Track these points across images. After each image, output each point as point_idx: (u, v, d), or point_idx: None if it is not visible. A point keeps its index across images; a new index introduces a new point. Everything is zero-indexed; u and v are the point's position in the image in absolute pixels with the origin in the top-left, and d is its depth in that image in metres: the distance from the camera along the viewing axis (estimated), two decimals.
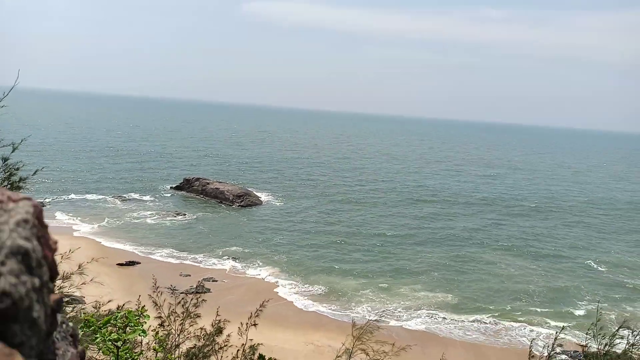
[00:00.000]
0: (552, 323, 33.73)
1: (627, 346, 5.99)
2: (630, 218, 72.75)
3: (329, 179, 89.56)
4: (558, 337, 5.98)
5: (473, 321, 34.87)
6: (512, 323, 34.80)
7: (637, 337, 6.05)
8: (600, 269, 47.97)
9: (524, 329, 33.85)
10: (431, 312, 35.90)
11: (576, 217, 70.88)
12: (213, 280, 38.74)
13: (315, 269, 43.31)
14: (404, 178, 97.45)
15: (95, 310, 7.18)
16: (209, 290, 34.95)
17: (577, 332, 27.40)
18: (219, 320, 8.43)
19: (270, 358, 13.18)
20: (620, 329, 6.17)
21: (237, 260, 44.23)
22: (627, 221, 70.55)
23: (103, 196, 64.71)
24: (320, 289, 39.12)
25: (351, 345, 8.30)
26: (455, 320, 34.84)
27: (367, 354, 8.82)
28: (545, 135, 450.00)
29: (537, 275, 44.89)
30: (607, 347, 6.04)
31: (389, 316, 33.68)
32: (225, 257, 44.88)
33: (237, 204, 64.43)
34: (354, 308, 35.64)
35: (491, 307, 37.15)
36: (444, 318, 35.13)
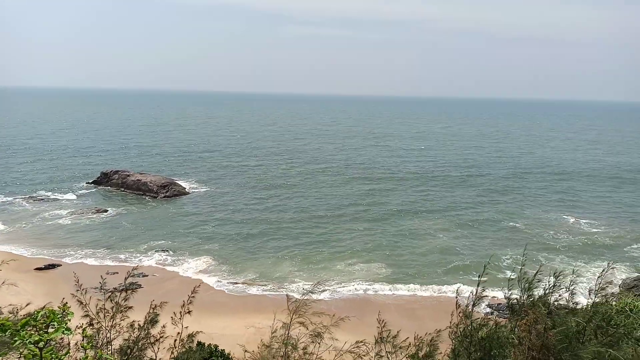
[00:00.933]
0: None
1: (546, 291, 6.52)
2: (550, 181, 79.28)
3: (258, 165, 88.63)
4: (479, 291, 6.42)
5: (407, 290, 36.67)
6: (444, 286, 36.94)
7: (554, 283, 6.59)
8: (526, 231, 51.73)
9: (455, 291, 36.12)
10: (367, 284, 37.25)
11: (499, 184, 76.10)
12: (143, 276, 37.20)
13: (248, 255, 43.04)
14: (334, 157, 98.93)
15: (12, 315, 6.58)
16: (139, 286, 33.56)
17: (502, 291, 29.81)
18: (153, 311, 8.09)
19: (210, 344, 12.95)
20: (538, 275, 6.71)
21: (166, 253, 42.75)
22: (548, 184, 76.79)
23: (10, 198, 59.37)
24: (255, 273, 39.05)
25: (289, 319, 8.33)
26: (390, 289, 36.50)
27: (306, 327, 8.92)
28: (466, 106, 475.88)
29: (467, 240, 47.87)
30: (528, 294, 6.56)
31: (326, 289, 34.47)
32: (153, 251, 43.20)
33: (162, 195, 61.98)
34: (290, 287, 36.09)
35: (424, 275, 39.19)
36: (380, 288, 36.68)
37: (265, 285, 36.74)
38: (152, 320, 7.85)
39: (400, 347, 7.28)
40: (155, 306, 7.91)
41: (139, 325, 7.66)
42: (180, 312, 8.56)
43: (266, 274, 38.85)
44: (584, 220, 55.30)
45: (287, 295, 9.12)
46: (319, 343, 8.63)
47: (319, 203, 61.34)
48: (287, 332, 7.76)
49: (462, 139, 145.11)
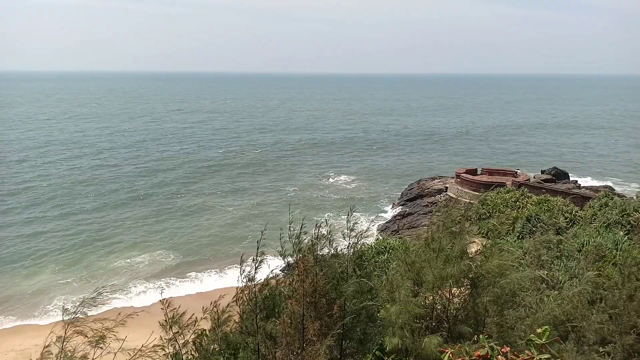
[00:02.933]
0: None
1: (312, 242, 7.27)
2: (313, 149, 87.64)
3: None
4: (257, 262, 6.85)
5: (198, 273, 36.04)
6: (233, 263, 37.67)
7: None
8: (300, 194, 56.73)
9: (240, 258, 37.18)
10: (154, 276, 35.34)
11: (264, 158, 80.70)
12: None
13: None
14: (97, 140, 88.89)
15: None
16: None
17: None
18: None
19: None
20: (305, 230, 7.46)
21: None
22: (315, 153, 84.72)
23: None
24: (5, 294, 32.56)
25: (64, 332, 7.36)
26: (181, 278, 35.31)
27: (86, 335, 8.04)
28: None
29: (251, 212, 49.79)
30: (299, 248, 7.27)
31: (109, 292, 31.41)
32: None
33: None
34: (57, 301, 31.43)
35: (215, 255, 39.24)
36: (171, 279, 35.21)
37: (22, 307, 30.82)
38: None
39: (187, 326, 7.23)
40: None
41: None
42: None
43: (20, 292, 32.74)
44: (343, 177, 64.44)
45: (63, 307, 7.95)
46: (101, 347, 7.90)
47: (81, 197, 54.62)
48: (62, 344, 6.84)
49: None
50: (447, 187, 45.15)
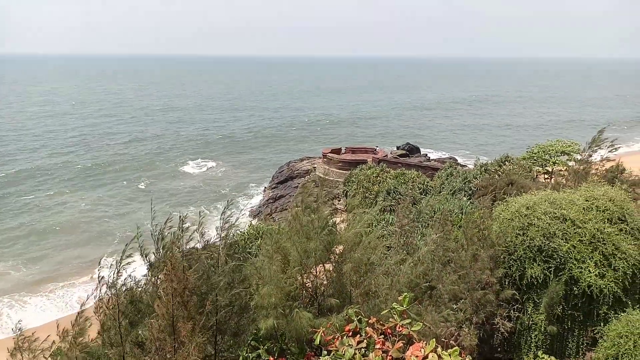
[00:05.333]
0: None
1: (177, 237, 6.88)
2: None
3: None
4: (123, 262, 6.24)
5: (47, 289, 31.74)
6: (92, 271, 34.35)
7: None
8: (158, 186, 53.38)
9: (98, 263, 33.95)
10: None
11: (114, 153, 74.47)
12: None
13: None
14: None
15: None
16: None
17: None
18: None
19: None
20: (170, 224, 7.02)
21: None
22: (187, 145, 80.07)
23: None
24: None
25: None
26: (34, 294, 30.86)
27: None
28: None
29: (109, 209, 45.55)
30: (163, 244, 6.80)
31: None
32: None
33: None
34: None
35: (67, 264, 35.25)
36: (22, 296, 30.59)
37: None
38: None
39: (42, 350, 6.37)
40: None
41: None
42: None
43: None
44: (210, 164, 62.68)
45: None
46: None
47: None
48: None
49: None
50: (315, 167, 46.70)
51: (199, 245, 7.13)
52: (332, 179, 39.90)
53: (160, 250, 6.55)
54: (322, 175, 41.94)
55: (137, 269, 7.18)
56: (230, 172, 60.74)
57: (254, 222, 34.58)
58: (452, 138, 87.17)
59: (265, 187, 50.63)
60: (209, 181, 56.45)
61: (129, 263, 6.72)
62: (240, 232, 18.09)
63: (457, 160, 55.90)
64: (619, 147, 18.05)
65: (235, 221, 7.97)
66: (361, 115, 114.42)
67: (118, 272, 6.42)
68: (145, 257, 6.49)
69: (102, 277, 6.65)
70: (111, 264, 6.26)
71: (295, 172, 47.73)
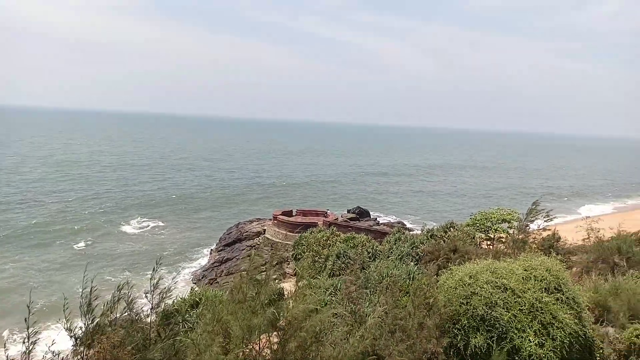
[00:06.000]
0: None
1: (109, 309, 6.42)
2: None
3: None
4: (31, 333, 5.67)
5: None
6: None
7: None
8: (98, 246, 50.49)
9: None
10: None
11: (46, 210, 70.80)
12: None
13: None
14: None
15: None
16: None
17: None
18: None
19: None
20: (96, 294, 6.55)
21: None
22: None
23: None
24: None
25: None
26: None
27: None
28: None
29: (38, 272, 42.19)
30: (92, 317, 6.31)
31: None
32: None
33: None
34: None
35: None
36: None
37: None
38: None
39: None
40: None
41: None
42: None
43: None
44: (152, 224, 60.25)
45: None
46: None
47: None
48: None
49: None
50: (265, 230, 46.10)
51: (132, 316, 6.66)
52: (282, 241, 39.39)
53: (88, 323, 6.04)
54: (271, 238, 41.37)
55: (61, 343, 6.55)
56: (176, 233, 58.72)
57: (196, 287, 33.05)
58: (402, 203, 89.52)
59: (211, 250, 49.08)
60: (153, 243, 54.05)
61: (54, 341, 6.15)
62: (180, 298, 17.18)
63: (405, 225, 57.05)
64: (554, 217, 19.11)
65: (173, 287, 7.59)
66: (316, 178, 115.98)
67: (29, 351, 5.79)
68: (71, 331, 5.94)
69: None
70: (23, 340, 5.69)
71: (245, 234, 46.83)
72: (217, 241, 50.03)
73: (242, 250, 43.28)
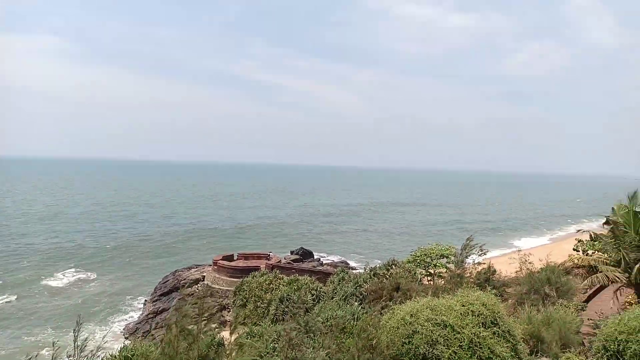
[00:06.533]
0: None
1: None
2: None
3: None
4: None
5: None
6: None
7: None
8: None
9: None
10: None
11: None
12: None
13: None
14: None
15: None
16: None
17: None
18: None
19: None
20: None
21: None
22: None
23: None
24: None
25: None
26: None
27: None
28: None
29: None
30: None
31: None
32: None
33: None
34: None
35: None
36: None
37: None
38: None
39: None
40: None
41: None
42: None
43: None
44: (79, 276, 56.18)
45: None
46: None
47: None
48: None
49: None
50: (204, 276, 44.27)
51: None
52: (222, 287, 37.90)
53: None
54: (212, 285, 39.73)
55: None
56: (109, 284, 54.96)
57: (128, 342, 30.72)
58: (346, 242, 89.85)
59: (145, 300, 46.21)
60: (83, 296, 50.10)
61: None
62: (109, 356, 15.79)
63: (348, 264, 57.04)
64: (487, 251, 19.79)
65: (102, 344, 6.95)
66: (260, 221, 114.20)
67: None
68: None
69: None
70: None
71: (182, 281, 44.64)
72: (153, 291, 47.27)
73: (180, 299, 41.07)
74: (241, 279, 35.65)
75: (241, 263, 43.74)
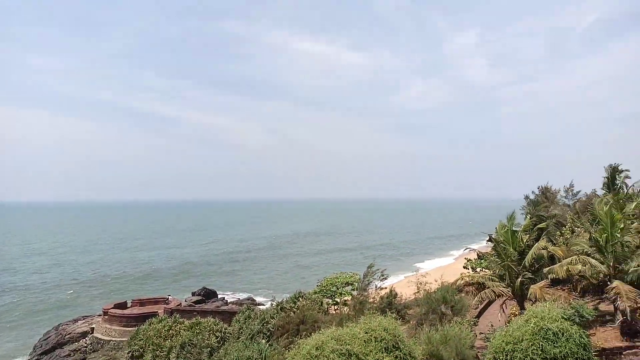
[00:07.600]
0: None
1: None
2: None
3: None
4: None
5: None
6: None
7: None
8: None
9: None
10: None
11: None
12: None
13: None
14: None
15: None
16: None
17: None
18: None
19: None
20: None
21: None
22: None
23: None
24: None
25: None
26: None
27: None
28: None
29: None
30: None
31: None
32: None
33: None
34: None
35: None
36: None
37: None
38: None
39: None
40: None
41: None
42: None
43: None
44: None
45: None
46: None
47: None
48: None
49: None
50: (93, 328, 39.98)
51: None
52: (115, 339, 34.48)
53: None
54: (102, 337, 35.97)
55: None
56: None
57: None
58: (253, 278, 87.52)
59: None
60: None
61: None
62: None
63: (255, 301, 55.47)
64: (388, 276, 20.40)
65: None
66: (159, 264, 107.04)
67: None
68: None
69: None
70: None
71: (67, 336, 39.72)
72: (32, 350, 41.49)
73: (65, 356, 36.48)
74: (136, 328, 32.83)
75: (136, 310, 40.34)
